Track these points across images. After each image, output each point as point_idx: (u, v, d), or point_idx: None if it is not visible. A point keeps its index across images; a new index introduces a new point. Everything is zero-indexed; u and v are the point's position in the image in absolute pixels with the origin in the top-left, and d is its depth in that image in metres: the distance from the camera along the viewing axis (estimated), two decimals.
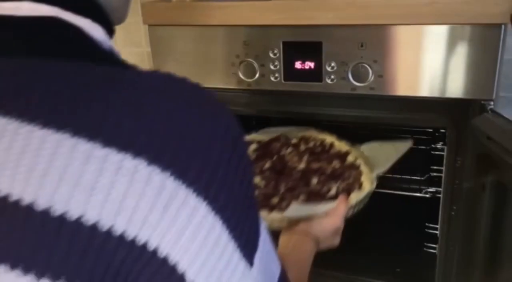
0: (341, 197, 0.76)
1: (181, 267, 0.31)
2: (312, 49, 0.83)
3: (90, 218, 0.29)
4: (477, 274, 0.84)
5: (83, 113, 0.30)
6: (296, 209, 0.76)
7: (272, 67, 0.87)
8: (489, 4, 0.71)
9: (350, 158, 0.91)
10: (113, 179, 0.29)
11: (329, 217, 0.72)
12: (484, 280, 0.83)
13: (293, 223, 0.73)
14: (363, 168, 0.87)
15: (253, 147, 0.99)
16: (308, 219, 0.72)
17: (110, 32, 0.40)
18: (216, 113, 0.34)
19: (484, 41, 0.73)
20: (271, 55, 0.86)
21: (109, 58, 0.38)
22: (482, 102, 0.76)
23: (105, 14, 0.40)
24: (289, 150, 0.97)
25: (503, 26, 0.72)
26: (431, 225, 1.07)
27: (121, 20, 0.44)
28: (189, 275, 0.31)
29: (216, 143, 0.32)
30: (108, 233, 0.29)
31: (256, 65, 0.88)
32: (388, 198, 1.12)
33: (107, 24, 0.40)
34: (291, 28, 0.84)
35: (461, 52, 0.75)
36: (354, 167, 0.88)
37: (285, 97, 0.91)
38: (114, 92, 0.32)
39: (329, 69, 0.83)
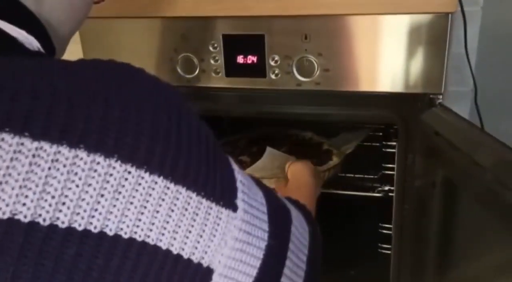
0: None
1: (151, 240, 0.30)
2: (254, 42, 0.78)
3: (26, 215, 0.27)
4: (430, 273, 0.82)
5: (5, 107, 0.27)
6: (272, 150, 0.93)
7: (212, 62, 0.81)
8: None
9: (325, 146, 1.06)
10: (48, 173, 0.27)
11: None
12: (437, 279, 0.80)
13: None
14: (335, 151, 1.02)
15: (243, 141, 1.14)
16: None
17: (50, 48, 0.40)
18: (152, 87, 0.33)
19: (431, 32, 0.70)
20: (211, 49, 0.80)
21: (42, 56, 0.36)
22: (431, 96, 0.73)
23: (42, 28, 0.39)
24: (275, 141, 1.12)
25: (450, 16, 0.68)
26: (384, 225, 1.03)
27: (65, 37, 0.44)
28: (161, 244, 0.31)
29: (160, 117, 0.31)
30: (51, 227, 0.27)
31: (195, 60, 0.81)
32: (343, 198, 1.08)
33: (46, 39, 0.39)
34: (231, 19, 0.78)
35: (409, 44, 0.71)
36: (328, 151, 1.03)
37: (229, 94, 0.85)
38: (41, 81, 0.29)
39: (272, 63, 0.78)
